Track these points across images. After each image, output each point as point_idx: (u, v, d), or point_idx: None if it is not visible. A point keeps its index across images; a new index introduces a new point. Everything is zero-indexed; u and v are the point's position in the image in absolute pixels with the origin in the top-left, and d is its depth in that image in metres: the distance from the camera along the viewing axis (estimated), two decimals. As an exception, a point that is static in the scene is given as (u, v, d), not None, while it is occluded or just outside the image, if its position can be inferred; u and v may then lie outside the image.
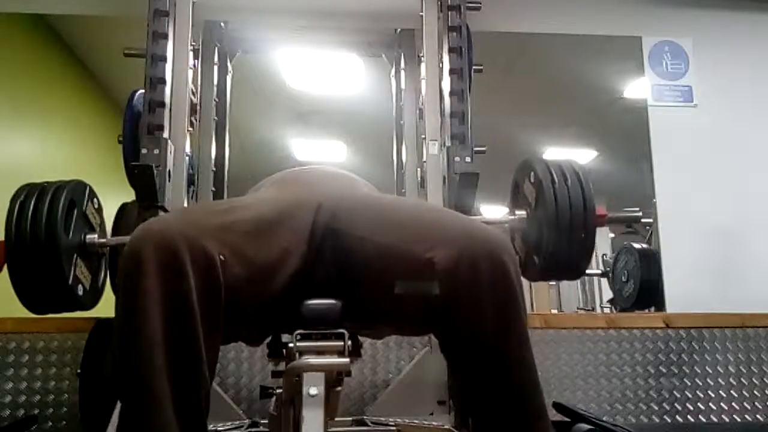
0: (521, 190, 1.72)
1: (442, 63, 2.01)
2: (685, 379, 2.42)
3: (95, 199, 1.63)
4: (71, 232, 1.48)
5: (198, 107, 2.20)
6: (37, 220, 1.41)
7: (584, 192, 1.54)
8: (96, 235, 1.59)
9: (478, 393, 1.06)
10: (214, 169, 2.49)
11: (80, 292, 1.50)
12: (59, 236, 1.41)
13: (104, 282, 1.71)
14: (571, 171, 1.59)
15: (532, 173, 1.63)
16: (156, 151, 1.79)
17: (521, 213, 1.69)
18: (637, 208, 1.85)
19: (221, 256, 1.01)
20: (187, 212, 1.25)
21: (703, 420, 2.39)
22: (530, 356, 1.05)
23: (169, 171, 1.88)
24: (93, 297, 1.61)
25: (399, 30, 2.66)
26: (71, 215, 1.49)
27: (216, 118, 2.54)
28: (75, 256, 1.49)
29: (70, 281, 1.44)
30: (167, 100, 1.88)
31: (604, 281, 4.17)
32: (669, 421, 2.37)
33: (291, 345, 1.04)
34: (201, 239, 1.00)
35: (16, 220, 1.42)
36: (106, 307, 1.88)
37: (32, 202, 1.43)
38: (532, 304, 6.66)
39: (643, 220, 3.62)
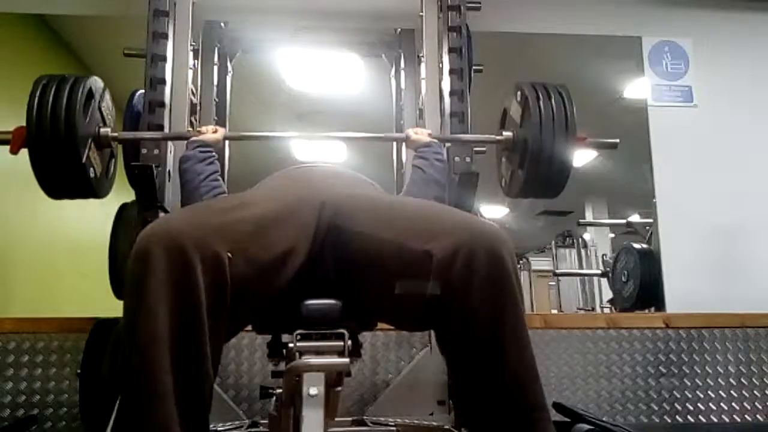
0: (509, 112, 1.79)
1: (442, 63, 2.01)
2: (685, 379, 2.42)
3: (109, 98, 1.72)
4: (87, 121, 1.56)
5: (198, 107, 2.20)
6: (58, 105, 1.49)
7: (567, 111, 1.62)
8: (109, 129, 1.67)
9: (474, 387, 1.06)
10: (214, 169, 2.49)
11: (92, 176, 1.59)
12: (78, 121, 1.50)
13: (113, 174, 1.78)
14: (555, 91, 1.66)
15: (519, 92, 1.71)
16: (156, 151, 1.79)
17: (508, 134, 1.76)
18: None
19: (228, 255, 1.01)
20: (192, 211, 1.25)
21: (703, 420, 2.39)
22: (527, 349, 1.04)
23: (169, 171, 1.88)
24: (103, 185, 1.69)
25: (399, 30, 2.66)
26: (89, 105, 1.57)
27: (216, 118, 2.53)
28: (90, 142, 1.57)
29: (83, 160, 1.53)
30: (167, 100, 1.87)
31: (604, 281, 4.18)
32: (669, 421, 2.37)
33: (291, 345, 1.04)
34: (208, 238, 1.01)
35: (38, 104, 1.50)
36: (105, 307, 1.89)
37: (53, 89, 1.51)
38: (532, 304, 6.68)
39: (642, 220, 3.63)
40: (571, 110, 1.63)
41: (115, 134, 1.69)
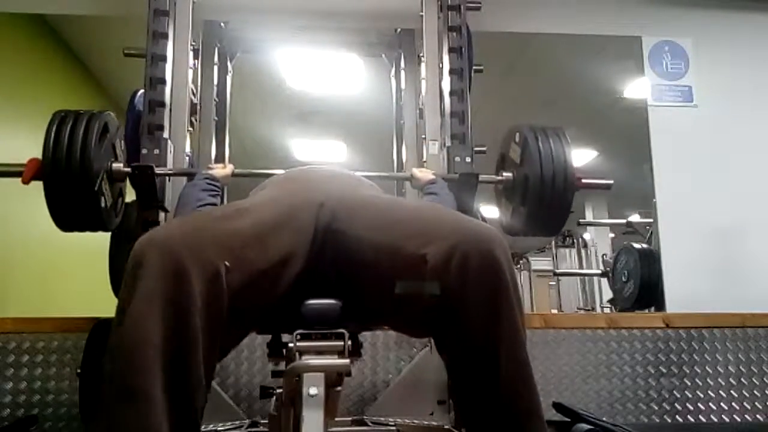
0: (508, 153, 1.84)
1: (442, 63, 2.01)
2: (685, 379, 2.42)
3: (120, 135, 1.78)
4: (101, 154, 1.61)
5: (198, 107, 2.20)
6: (74, 139, 1.54)
7: (564, 151, 1.68)
8: (121, 164, 1.72)
9: (470, 390, 1.06)
10: (214, 169, 2.49)
11: (103, 209, 1.63)
12: (93, 154, 1.55)
13: (121, 207, 1.83)
14: (552, 133, 1.72)
15: (518, 134, 1.76)
16: (156, 151, 1.80)
17: (508, 174, 1.81)
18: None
19: (226, 264, 1.01)
20: (190, 220, 1.25)
21: (703, 420, 2.39)
22: (522, 352, 1.03)
23: (169, 171, 1.88)
24: (112, 218, 1.73)
25: (399, 30, 2.67)
26: (103, 140, 1.61)
27: (216, 118, 2.54)
28: (102, 175, 1.62)
29: (95, 189, 1.58)
30: (167, 100, 1.88)
31: (604, 281, 4.18)
32: (669, 421, 2.37)
33: (291, 345, 1.04)
34: (205, 248, 1.01)
35: (54, 139, 1.54)
36: (106, 307, 1.89)
37: (70, 124, 1.56)
38: (532, 304, 6.68)
39: (642, 220, 3.63)
40: (569, 152, 1.68)
41: (127, 169, 1.73)
